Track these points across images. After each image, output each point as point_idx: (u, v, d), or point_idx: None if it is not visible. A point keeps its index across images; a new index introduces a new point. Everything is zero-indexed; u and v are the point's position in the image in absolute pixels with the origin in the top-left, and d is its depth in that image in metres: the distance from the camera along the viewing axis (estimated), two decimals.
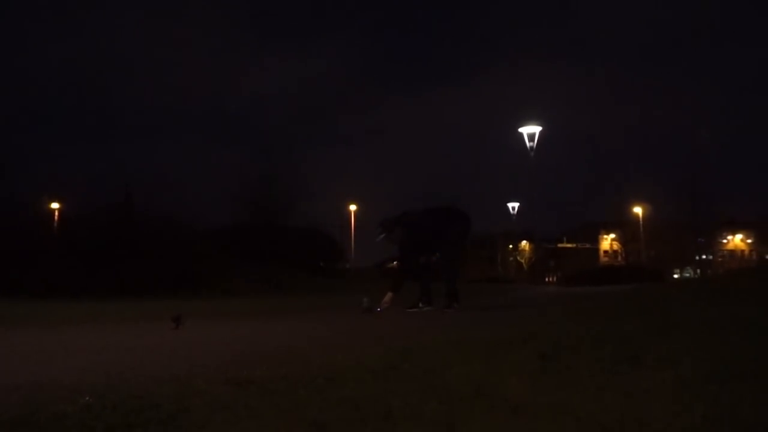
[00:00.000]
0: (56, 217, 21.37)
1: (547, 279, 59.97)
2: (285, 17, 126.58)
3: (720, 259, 57.76)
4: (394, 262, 7.58)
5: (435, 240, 6.58)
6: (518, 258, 63.70)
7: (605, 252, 67.45)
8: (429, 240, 6.61)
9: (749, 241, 63.25)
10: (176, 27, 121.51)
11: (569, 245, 69.67)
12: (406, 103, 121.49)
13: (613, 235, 62.99)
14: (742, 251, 63.33)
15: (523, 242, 62.59)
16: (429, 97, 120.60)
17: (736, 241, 64.30)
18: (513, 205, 48.06)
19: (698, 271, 47.92)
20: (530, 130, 29.08)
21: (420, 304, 6.47)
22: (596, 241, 68.61)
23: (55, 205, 22.49)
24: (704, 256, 52.71)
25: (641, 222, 47.62)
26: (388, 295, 6.39)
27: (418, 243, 6.63)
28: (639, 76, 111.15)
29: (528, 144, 28.97)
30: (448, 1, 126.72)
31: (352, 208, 40.21)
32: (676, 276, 44.34)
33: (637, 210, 47.82)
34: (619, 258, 59.08)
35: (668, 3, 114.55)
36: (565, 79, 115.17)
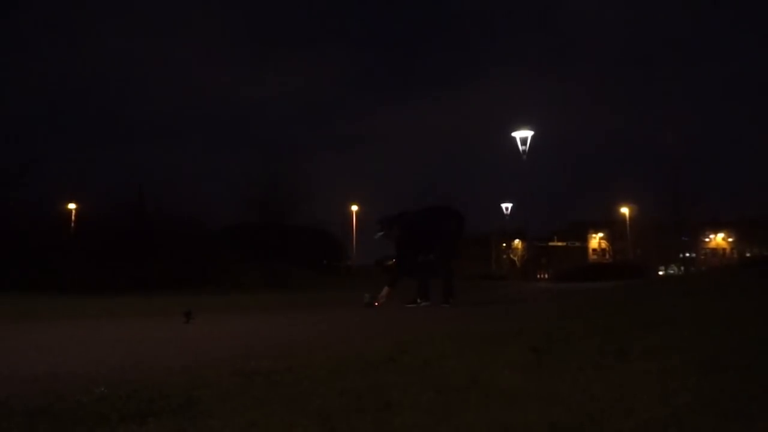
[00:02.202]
0: (73, 217, 21.41)
1: (538, 276, 59.82)
2: (286, 27, 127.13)
3: (703, 257, 57.71)
4: (393, 260, 7.56)
5: (431, 238, 6.57)
6: (511, 256, 63.61)
7: (594, 250, 67.42)
8: (425, 238, 6.60)
9: (730, 239, 63.15)
10: (186, 38, 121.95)
11: (560, 243, 69.53)
12: (402, 108, 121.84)
13: (601, 234, 63.03)
14: (724, 249, 63.22)
15: (516, 241, 62.50)
16: (422, 103, 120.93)
17: (718, 239, 64.18)
18: (506, 206, 47.98)
19: (682, 268, 47.84)
20: (522, 134, 29.05)
21: (418, 300, 6.46)
22: (585, 240, 68.55)
23: (71, 206, 22.53)
24: (688, 254, 52.64)
25: (628, 221, 47.68)
26: (386, 290, 6.40)
27: (415, 241, 6.63)
28: (620, 81, 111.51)
29: (520, 147, 28.95)
30: (437, 13, 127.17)
31: (354, 208, 40.15)
32: (661, 273, 44.27)
33: (624, 210, 47.92)
34: (607, 256, 59.07)
35: (642, 14, 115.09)
36: (550, 86, 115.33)
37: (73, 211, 22.13)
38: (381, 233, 6.71)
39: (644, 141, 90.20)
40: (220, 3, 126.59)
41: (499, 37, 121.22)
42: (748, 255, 45.45)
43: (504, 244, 62.59)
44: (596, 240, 66.44)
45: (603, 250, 63.76)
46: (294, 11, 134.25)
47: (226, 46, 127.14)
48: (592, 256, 65.17)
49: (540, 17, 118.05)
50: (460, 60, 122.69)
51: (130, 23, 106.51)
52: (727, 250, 62.68)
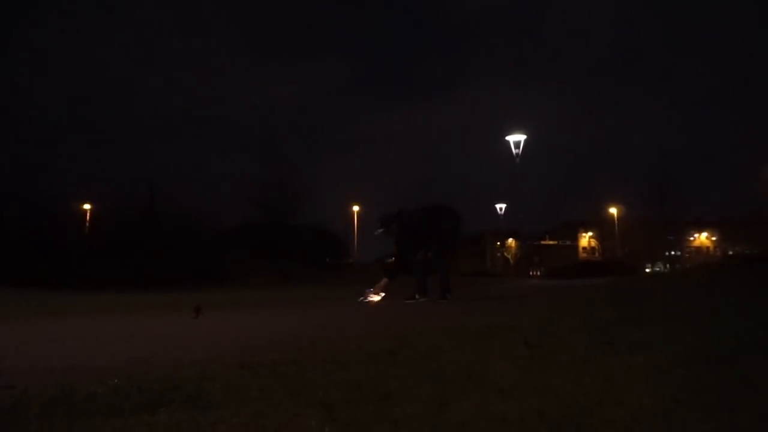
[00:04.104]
0: (88, 217, 21.42)
1: (531, 273, 59.74)
2: (283, 37, 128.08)
3: (687, 255, 57.65)
4: (393, 258, 7.55)
5: (428, 237, 6.56)
6: (505, 254, 63.63)
7: (584, 248, 67.45)
8: (423, 236, 6.59)
9: (714, 238, 63.06)
10: (191, 48, 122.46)
11: (551, 242, 69.60)
12: (397, 113, 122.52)
13: (590, 233, 63.14)
14: (707, 248, 63.15)
15: (510, 239, 62.55)
16: (416, 108, 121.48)
17: (702, 238, 64.12)
18: (500, 206, 48.01)
19: (668, 265, 47.88)
20: (515, 138, 29.07)
21: (416, 296, 6.45)
22: (576, 239, 68.60)
23: (86, 206, 22.53)
24: (673, 252, 52.76)
25: (616, 221, 47.73)
26: (384, 281, 6.39)
27: (413, 239, 6.61)
28: (607, 87, 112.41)
29: (514, 151, 28.96)
30: (428, 23, 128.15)
31: (355, 209, 40.13)
32: (647, 270, 44.26)
33: (613, 210, 47.99)
34: (597, 254, 59.16)
35: (622, 22, 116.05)
36: (540, 91, 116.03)
37: (88, 211, 22.14)
38: (381, 230, 6.70)
39: (631, 143, 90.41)
40: (221, 16, 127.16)
41: (488, 46, 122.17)
42: (730, 253, 45.43)
43: (498, 243, 62.62)
44: (586, 239, 66.50)
45: (592, 248, 63.86)
46: (291, 22, 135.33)
47: (228, 55, 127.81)
48: (582, 254, 65.18)
49: (526, 27, 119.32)
50: (452, 66, 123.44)
51: (141, 33, 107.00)
52: (711, 249, 62.64)
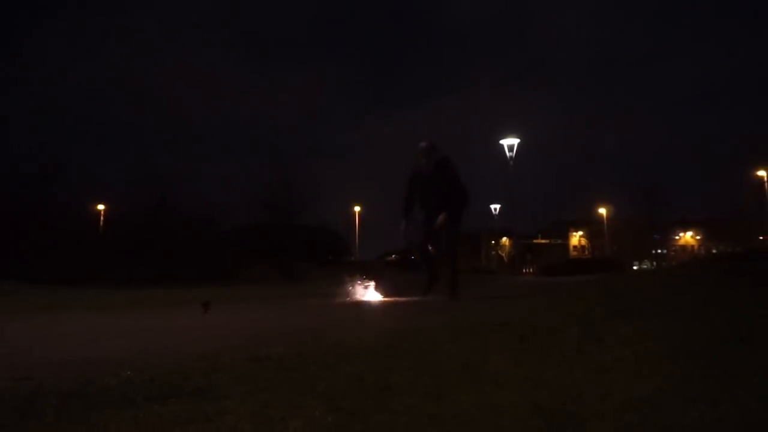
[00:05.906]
0: (101, 217, 21.41)
1: (524, 270, 59.80)
2: (281, 46, 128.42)
3: (673, 253, 57.72)
4: (393, 256, 7.44)
5: (436, 198, 5.93)
6: (499, 252, 63.64)
7: (574, 247, 67.48)
8: (433, 195, 5.93)
9: (698, 237, 63.09)
10: (194, 56, 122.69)
11: (543, 241, 69.58)
12: (396, 116, 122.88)
13: (581, 233, 63.22)
14: (692, 246, 63.12)
15: (504, 238, 62.57)
16: (411, 113, 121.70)
17: (687, 237, 64.09)
18: (495, 207, 48.06)
19: (654, 263, 47.92)
20: (509, 142, 29.09)
21: (424, 292, 6.30)
22: (566, 238, 68.60)
23: (100, 207, 22.51)
24: (659, 251, 52.88)
25: (605, 221, 47.79)
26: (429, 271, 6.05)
27: (427, 191, 5.98)
28: (591, 91, 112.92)
29: (507, 154, 28.97)
30: (425, 31, 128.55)
31: (357, 209, 40.13)
32: (635, 268, 44.29)
33: (602, 210, 48.08)
34: (586, 252, 59.25)
35: (606, 29, 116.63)
36: (528, 96, 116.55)
37: (102, 212, 22.13)
38: (423, 151, 5.94)
39: (618, 145, 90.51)
40: (223, 25, 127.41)
41: (480, 51, 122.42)
42: (714, 251, 45.46)
43: (493, 242, 62.62)
44: (576, 238, 66.55)
45: (582, 247, 63.97)
46: (289, 30, 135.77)
47: (231, 61, 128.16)
48: (573, 253, 65.20)
49: (516, 34, 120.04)
50: (446, 71, 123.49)
51: (150, 41, 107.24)
52: (695, 247, 62.62)
